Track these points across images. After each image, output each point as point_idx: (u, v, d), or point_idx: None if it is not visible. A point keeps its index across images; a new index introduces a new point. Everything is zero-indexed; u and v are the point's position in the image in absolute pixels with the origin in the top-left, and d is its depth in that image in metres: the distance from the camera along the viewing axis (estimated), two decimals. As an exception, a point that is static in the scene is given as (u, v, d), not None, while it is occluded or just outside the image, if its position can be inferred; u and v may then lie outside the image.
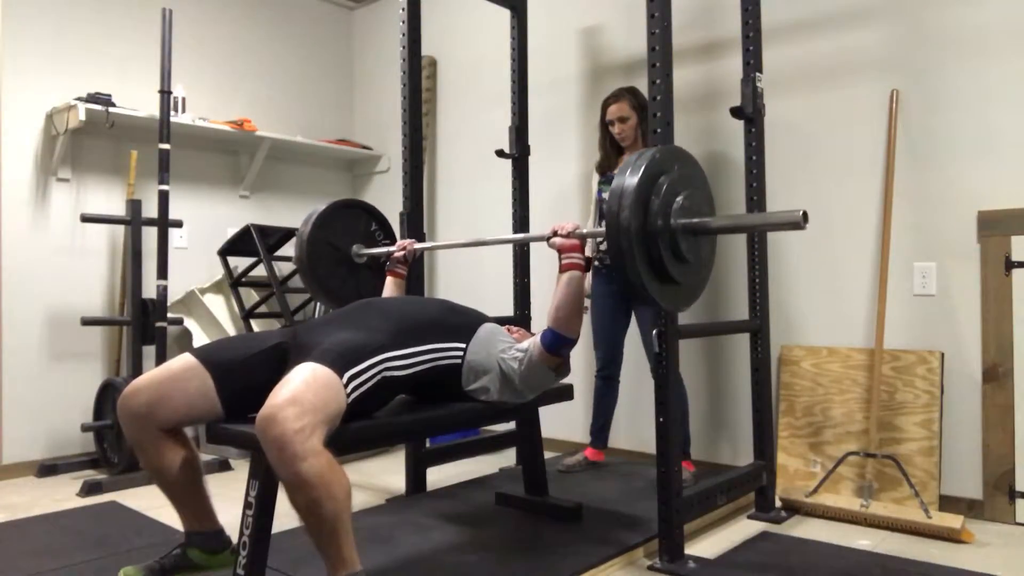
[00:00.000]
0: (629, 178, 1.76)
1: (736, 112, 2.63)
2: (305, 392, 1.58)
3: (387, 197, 4.42)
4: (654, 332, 2.20)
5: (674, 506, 2.18)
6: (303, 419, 1.52)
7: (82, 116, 3.32)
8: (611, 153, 3.10)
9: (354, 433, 1.77)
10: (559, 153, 3.74)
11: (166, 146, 3.30)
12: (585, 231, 2.11)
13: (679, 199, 1.80)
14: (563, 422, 3.58)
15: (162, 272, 3.31)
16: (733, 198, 3.11)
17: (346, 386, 1.68)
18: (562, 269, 2.02)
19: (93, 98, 3.40)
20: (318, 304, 3.87)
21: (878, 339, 2.72)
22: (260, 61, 4.35)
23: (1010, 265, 2.57)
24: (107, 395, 3.33)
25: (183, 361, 1.82)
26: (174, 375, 1.79)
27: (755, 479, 2.63)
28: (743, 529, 2.54)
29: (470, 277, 4.10)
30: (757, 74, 2.65)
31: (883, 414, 2.73)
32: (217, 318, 3.81)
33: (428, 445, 2.96)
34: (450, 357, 1.99)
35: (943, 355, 2.68)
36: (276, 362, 1.84)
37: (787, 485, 2.86)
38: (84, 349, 3.59)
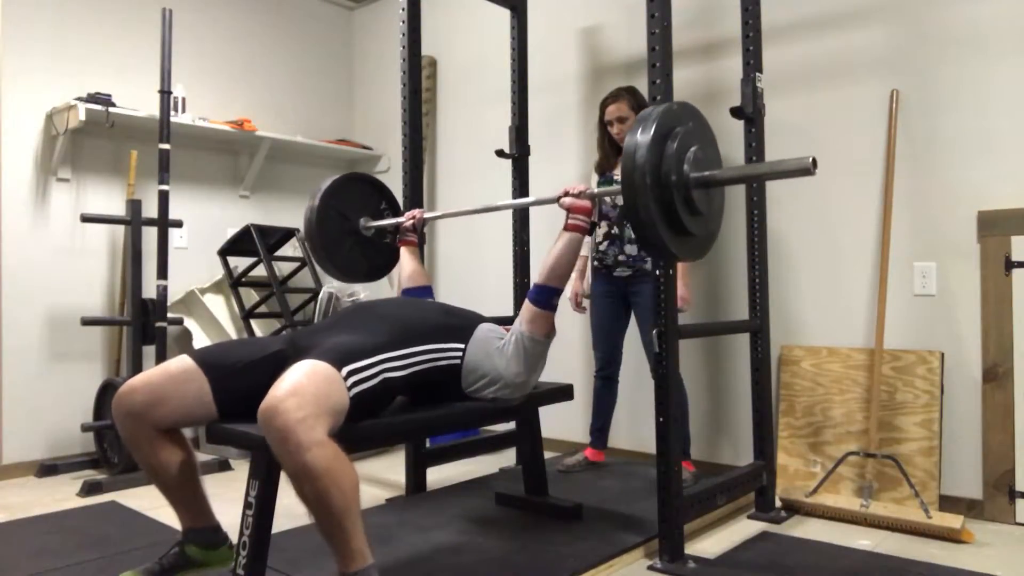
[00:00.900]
0: (646, 127, 1.78)
1: (736, 112, 2.63)
2: (306, 384, 1.58)
3: (387, 197, 4.43)
4: (654, 332, 2.20)
5: (674, 506, 2.18)
6: (304, 409, 1.52)
7: (82, 116, 3.32)
8: (610, 153, 3.10)
9: (355, 432, 1.77)
10: (559, 153, 3.75)
11: (166, 146, 3.30)
12: (596, 190, 2.17)
13: (692, 150, 1.82)
14: (563, 422, 3.58)
15: (162, 272, 3.32)
16: (733, 197, 3.11)
17: (346, 379, 1.68)
18: (566, 228, 2.07)
19: (93, 98, 3.41)
20: (318, 304, 3.87)
21: (878, 339, 2.72)
22: (260, 61, 4.35)
23: (1010, 265, 2.57)
24: (107, 395, 3.33)
25: (181, 363, 1.81)
26: (171, 377, 1.78)
27: (755, 479, 2.63)
28: (743, 529, 2.54)
29: (470, 277, 4.10)
30: (757, 74, 2.65)
31: (883, 414, 2.73)
32: (217, 318, 3.81)
33: (428, 445, 2.96)
34: (449, 357, 2.00)
35: (943, 355, 2.68)
36: (274, 369, 1.82)
37: (787, 485, 2.86)
38: (84, 349, 3.59)
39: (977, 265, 2.63)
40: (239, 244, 3.85)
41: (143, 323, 3.37)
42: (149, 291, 3.42)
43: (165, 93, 3.31)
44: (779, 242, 3.02)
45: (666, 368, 2.19)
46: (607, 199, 3.04)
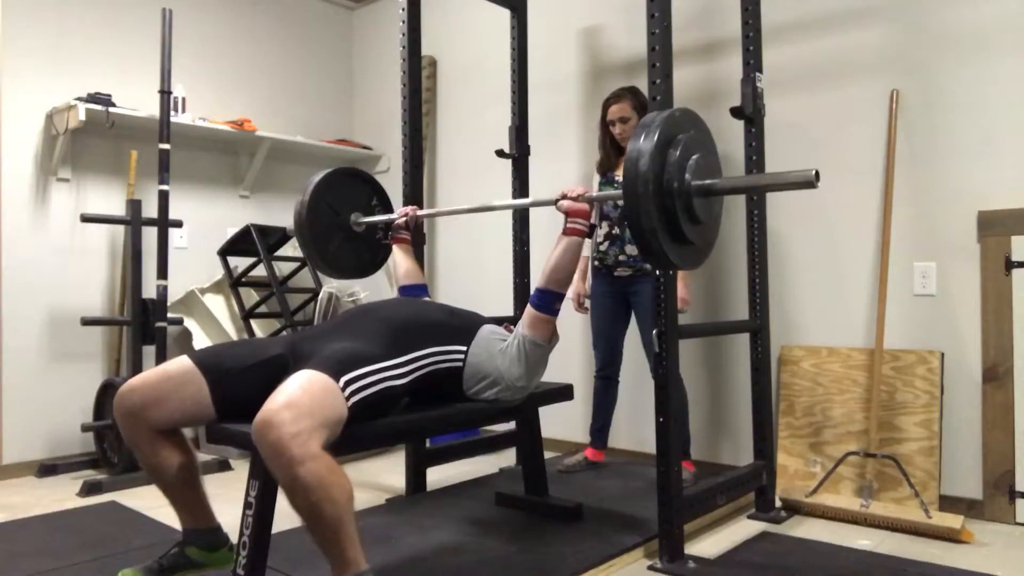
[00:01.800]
0: (649, 133, 1.77)
1: (736, 112, 2.63)
2: (302, 396, 1.56)
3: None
4: (654, 332, 2.20)
5: (674, 506, 2.18)
6: (300, 423, 1.51)
7: (82, 116, 3.32)
8: (612, 153, 3.10)
9: (354, 433, 1.77)
10: (559, 153, 3.75)
11: (166, 146, 3.30)
12: (595, 194, 2.14)
13: (694, 158, 1.82)
14: (563, 422, 3.58)
15: (162, 272, 3.32)
16: (733, 199, 3.11)
17: (344, 390, 1.67)
18: (565, 232, 2.06)
19: (93, 98, 3.41)
20: (318, 304, 3.87)
21: (878, 339, 2.72)
22: (260, 61, 4.35)
23: (1010, 265, 2.57)
24: (107, 395, 3.33)
25: (180, 364, 1.81)
26: (170, 377, 1.78)
27: (755, 479, 2.63)
28: (743, 529, 2.54)
29: (470, 277, 4.10)
30: (757, 74, 2.65)
31: (883, 414, 2.73)
32: (217, 318, 3.81)
33: (428, 445, 2.96)
34: (451, 360, 1.99)
35: (943, 355, 2.68)
36: (274, 373, 1.81)
37: (787, 485, 2.86)
38: (84, 349, 3.59)
39: (977, 265, 2.63)
40: (239, 244, 3.85)
41: (143, 323, 3.37)
42: (149, 291, 3.42)
43: (165, 93, 3.30)
44: (779, 242, 3.02)
45: (666, 368, 2.19)
46: (608, 199, 3.04)
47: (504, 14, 3.38)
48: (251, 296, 3.94)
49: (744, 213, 2.73)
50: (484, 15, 3.87)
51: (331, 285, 3.73)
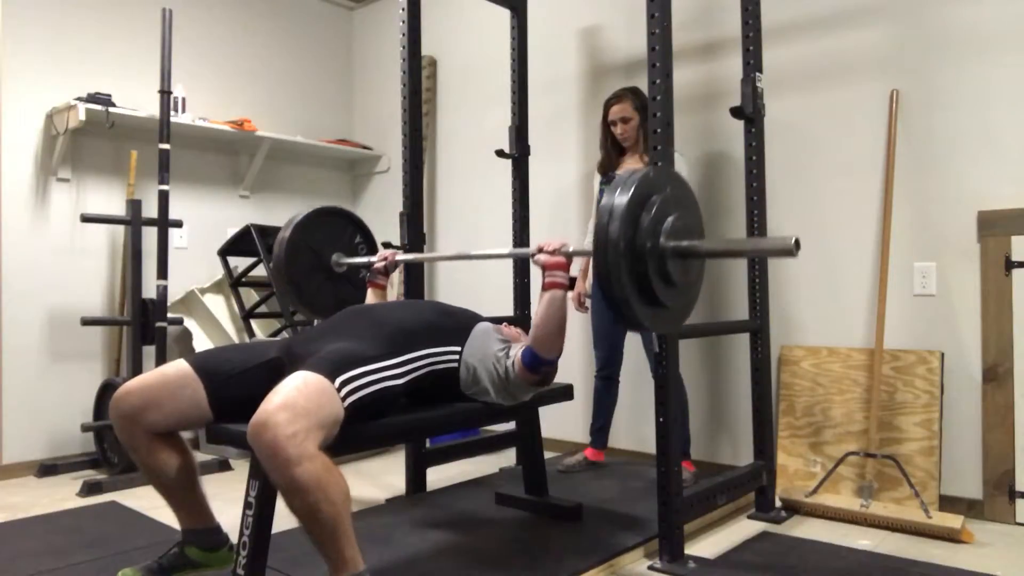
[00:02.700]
0: (620, 194, 1.70)
1: (736, 112, 2.63)
2: (297, 397, 1.56)
3: (387, 197, 4.44)
4: (653, 332, 2.19)
5: (674, 506, 2.17)
6: (295, 424, 1.51)
7: (82, 116, 3.32)
8: (613, 153, 3.10)
9: (354, 433, 1.77)
10: (559, 153, 3.75)
11: (166, 146, 3.30)
12: (571, 249, 2.04)
13: (670, 219, 1.73)
14: (563, 422, 3.58)
15: (162, 272, 3.31)
16: (733, 198, 3.12)
17: (339, 390, 1.66)
18: (544, 287, 1.98)
19: (93, 98, 3.41)
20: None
21: (878, 339, 2.72)
22: (260, 61, 4.35)
23: (1010, 265, 2.57)
24: (107, 395, 3.33)
25: (177, 368, 1.81)
26: (167, 381, 1.78)
27: (755, 479, 2.63)
28: (743, 529, 2.54)
29: (470, 277, 4.10)
30: (757, 74, 2.65)
31: (883, 414, 2.73)
32: (217, 318, 3.81)
33: (428, 445, 2.96)
34: (447, 361, 1.98)
35: (943, 355, 2.68)
36: (270, 376, 1.81)
37: (787, 485, 2.86)
38: (84, 349, 3.59)
39: (977, 265, 2.63)
40: (239, 244, 3.85)
41: (143, 323, 3.37)
42: (149, 291, 3.42)
43: (165, 93, 3.30)
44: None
45: (666, 368, 2.19)
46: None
47: (504, 14, 3.38)
48: (251, 296, 3.93)
49: (744, 213, 2.73)
50: (484, 15, 3.87)
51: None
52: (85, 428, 3.28)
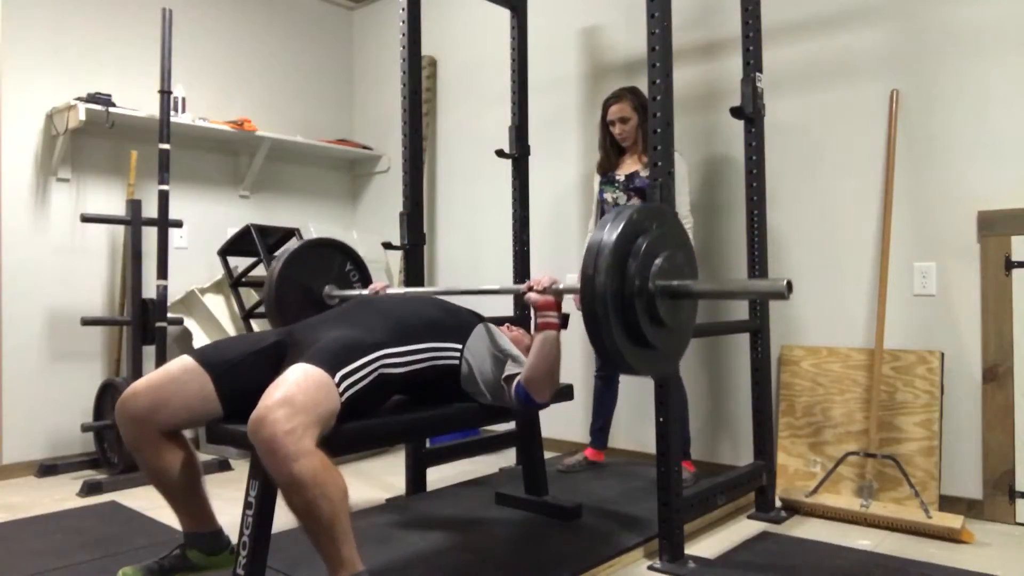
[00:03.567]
0: (605, 238, 1.65)
1: (736, 112, 2.63)
2: (296, 393, 1.57)
3: (387, 197, 4.44)
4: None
5: (674, 506, 2.18)
6: (294, 420, 1.52)
7: (82, 116, 3.32)
8: (612, 153, 3.09)
9: (354, 433, 1.77)
10: (559, 153, 3.75)
11: (166, 146, 3.30)
12: (562, 287, 1.97)
13: (658, 261, 1.69)
14: (563, 422, 3.58)
15: (162, 272, 3.31)
16: (733, 198, 3.12)
17: (339, 385, 1.67)
18: (537, 328, 1.94)
19: (93, 98, 3.41)
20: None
21: (878, 339, 2.72)
22: (260, 61, 4.35)
23: (1010, 265, 2.57)
24: (107, 395, 3.33)
25: (181, 363, 1.81)
26: (173, 378, 1.78)
27: (755, 479, 2.63)
28: (743, 529, 2.54)
29: (470, 276, 4.10)
30: (757, 74, 2.65)
31: (883, 414, 2.73)
32: (217, 318, 3.81)
33: (428, 445, 2.96)
34: (447, 357, 1.99)
35: (943, 355, 2.68)
36: (275, 361, 1.84)
37: (787, 485, 2.86)
38: (84, 349, 3.59)
39: (977, 265, 2.63)
40: (239, 244, 3.85)
41: (143, 323, 3.37)
42: (149, 291, 3.42)
43: (165, 93, 3.30)
44: (779, 242, 3.01)
45: (666, 368, 2.19)
46: (608, 198, 3.04)
47: (504, 14, 3.38)
48: (251, 296, 3.93)
49: (744, 213, 2.73)
50: (484, 15, 3.87)
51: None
52: (85, 428, 3.28)
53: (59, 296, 3.52)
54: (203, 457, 3.44)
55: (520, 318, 3.22)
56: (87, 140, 3.60)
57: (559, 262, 3.59)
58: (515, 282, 3.29)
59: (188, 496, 1.84)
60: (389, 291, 2.44)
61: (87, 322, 3.33)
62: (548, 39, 3.75)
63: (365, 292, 2.46)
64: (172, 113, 3.42)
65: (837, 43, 2.93)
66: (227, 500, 2.10)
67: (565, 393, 2.51)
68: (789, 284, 1.60)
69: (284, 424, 1.51)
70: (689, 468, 2.90)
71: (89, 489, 3.02)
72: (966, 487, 2.64)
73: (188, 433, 1.89)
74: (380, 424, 1.89)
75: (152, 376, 1.80)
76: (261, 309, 3.86)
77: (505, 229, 3.42)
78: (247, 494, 1.72)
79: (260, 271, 3.87)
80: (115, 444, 3.24)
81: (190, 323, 3.78)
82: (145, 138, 3.64)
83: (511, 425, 3.04)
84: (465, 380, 2.02)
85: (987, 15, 2.61)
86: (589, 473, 3.13)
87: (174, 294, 3.71)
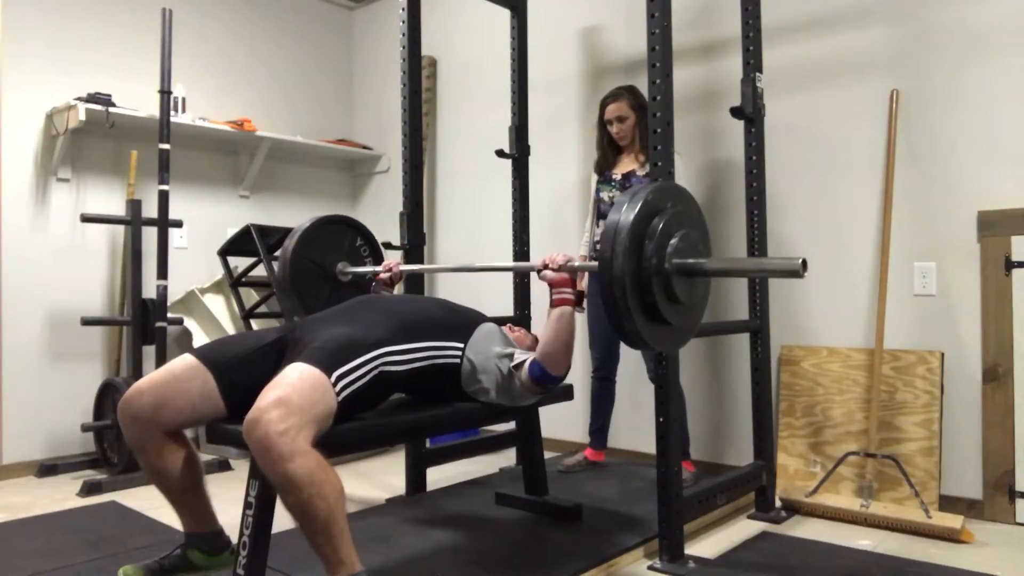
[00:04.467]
0: (621, 222, 1.69)
1: (736, 112, 2.63)
2: (291, 394, 1.57)
3: (387, 197, 4.44)
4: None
5: (674, 506, 2.18)
6: (288, 420, 1.52)
7: (82, 116, 3.31)
8: (609, 153, 3.09)
9: (354, 433, 1.77)
10: (559, 153, 3.75)
11: (166, 146, 3.30)
12: (577, 264, 2.04)
13: (673, 240, 1.73)
14: (563, 422, 3.58)
15: (162, 272, 3.31)
16: (733, 199, 3.11)
17: (335, 385, 1.67)
18: (553, 304, 1.98)
19: (93, 98, 3.40)
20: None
21: (878, 339, 2.72)
22: (260, 61, 4.35)
23: (1010, 265, 2.57)
24: (107, 395, 3.33)
25: (184, 362, 1.81)
26: (176, 376, 1.78)
27: (755, 479, 2.63)
28: (743, 529, 2.54)
29: (470, 276, 4.09)
30: (757, 74, 2.65)
31: (883, 414, 2.73)
32: (217, 318, 3.81)
33: (428, 445, 2.96)
34: (448, 356, 1.99)
35: (943, 355, 2.68)
36: (277, 358, 1.84)
37: (787, 485, 2.86)
38: (84, 349, 3.59)
39: (977, 265, 2.63)
40: (239, 244, 3.85)
41: (143, 323, 3.37)
42: (149, 291, 3.42)
43: (165, 93, 3.30)
44: (779, 242, 3.01)
45: (666, 368, 2.19)
46: (604, 197, 3.04)
47: (504, 14, 3.38)
48: (251, 296, 3.93)
49: (744, 213, 2.73)
50: (484, 15, 3.87)
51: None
52: (85, 428, 3.29)
53: (59, 296, 3.52)
54: (203, 457, 3.42)
55: (520, 318, 3.22)
56: (87, 140, 3.60)
57: (559, 262, 3.58)
58: (515, 281, 3.29)
59: (189, 496, 1.84)
60: (403, 267, 2.48)
61: (87, 322, 3.33)
62: (548, 39, 3.75)
63: (378, 269, 2.50)
64: (172, 113, 3.42)
65: (837, 43, 2.93)
66: (227, 500, 2.09)
67: (565, 393, 2.51)
68: (804, 262, 1.63)
69: (278, 425, 1.51)
70: (689, 468, 2.90)
71: (89, 489, 3.02)
72: (966, 487, 2.64)
73: (188, 433, 1.88)
74: (380, 424, 1.90)
75: (155, 375, 1.80)
76: (261, 309, 3.87)
77: (505, 229, 3.42)
78: (247, 494, 1.72)
79: (260, 271, 3.88)
80: (115, 444, 3.24)
81: (190, 323, 3.78)
82: (145, 138, 3.64)
83: (511, 425, 3.04)
84: (466, 379, 2.01)
85: (987, 15, 2.61)
86: (589, 473, 3.13)
87: (174, 294, 3.71)
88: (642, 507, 2.57)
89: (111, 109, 3.42)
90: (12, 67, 3.41)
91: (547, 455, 2.78)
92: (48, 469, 3.36)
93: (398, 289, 2.56)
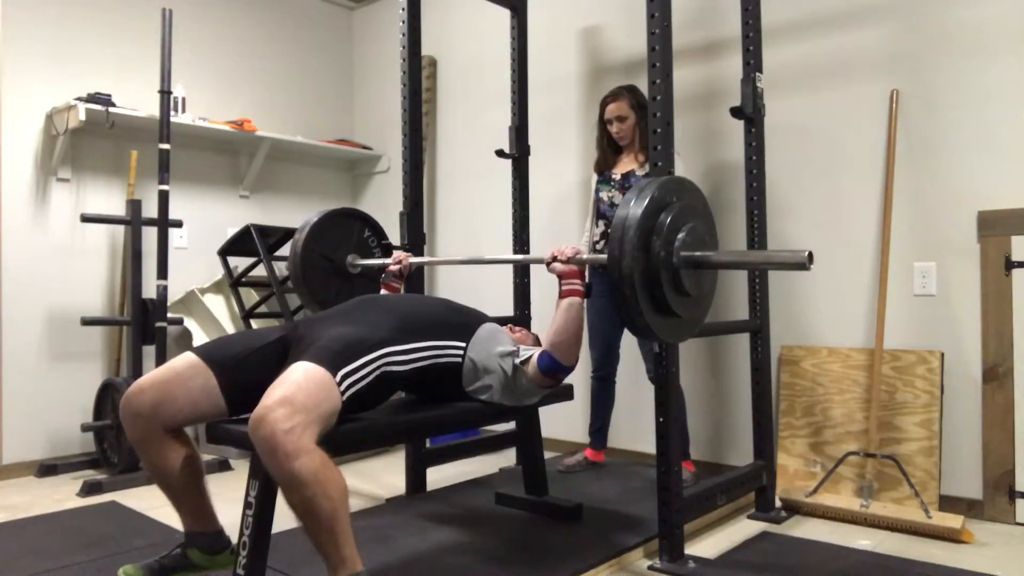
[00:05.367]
0: (629, 219, 1.72)
1: (736, 112, 2.63)
2: (296, 392, 1.58)
3: (387, 197, 4.44)
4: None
5: (674, 506, 2.17)
6: (294, 419, 1.53)
7: (82, 116, 3.31)
8: (609, 152, 3.09)
9: (354, 433, 1.77)
10: (559, 153, 3.75)
11: (166, 146, 3.30)
12: (585, 256, 2.08)
13: (681, 234, 1.76)
14: (563, 422, 3.58)
15: (162, 272, 3.31)
16: (733, 199, 3.11)
17: (340, 384, 1.68)
18: (562, 295, 2.01)
19: (93, 98, 3.40)
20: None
21: (878, 339, 2.72)
22: (260, 61, 4.35)
23: (1010, 265, 2.57)
24: (107, 395, 3.33)
25: (186, 360, 1.82)
26: (178, 374, 1.79)
27: (755, 479, 2.63)
28: (743, 529, 2.54)
29: (470, 276, 4.10)
30: (757, 74, 2.65)
31: (883, 414, 2.73)
32: (217, 318, 3.81)
33: (428, 445, 2.96)
34: (450, 355, 1.99)
35: (943, 355, 2.68)
36: (278, 357, 1.84)
37: (787, 485, 2.86)
38: (84, 349, 3.59)
39: (977, 265, 2.63)
40: (239, 244, 3.85)
41: (143, 323, 3.37)
42: (149, 291, 3.42)
43: (165, 93, 3.30)
44: (779, 242, 3.01)
45: (666, 368, 2.19)
46: (603, 197, 3.04)
47: (504, 14, 3.38)
48: (251, 296, 3.94)
49: (744, 213, 2.73)
50: (484, 15, 3.87)
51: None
52: (85, 428, 3.28)
53: (59, 296, 3.52)
54: (203, 457, 3.43)
55: (520, 318, 3.22)
56: (87, 140, 3.60)
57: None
58: (515, 281, 3.29)
59: (190, 494, 1.84)
60: (412, 260, 2.53)
61: (87, 322, 3.33)
62: (548, 39, 3.75)
63: (388, 261, 2.53)
64: (172, 113, 3.42)
65: (837, 43, 2.93)
66: (227, 500, 2.10)
67: (565, 393, 2.51)
68: (810, 255, 1.66)
69: (284, 423, 1.51)
70: (689, 468, 2.90)
71: (89, 489, 3.02)
72: (966, 487, 2.64)
73: (189, 431, 1.89)
74: (380, 424, 1.90)
75: (156, 372, 1.81)
76: (261, 309, 3.87)
77: (505, 229, 3.42)
78: (247, 494, 1.72)
79: (260, 271, 3.88)
80: (115, 444, 3.24)
81: (190, 323, 3.78)
82: (145, 138, 3.64)
83: (511, 425, 3.04)
84: (467, 378, 2.02)
85: (987, 15, 2.61)
86: (589, 473, 3.13)
87: (174, 294, 3.71)
88: (642, 507, 2.57)
89: (111, 109, 3.42)
90: (12, 67, 3.41)
91: (547, 455, 2.78)
92: (48, 469, 3.36)
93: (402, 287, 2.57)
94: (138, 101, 3.64)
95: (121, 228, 3.64)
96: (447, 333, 2.00)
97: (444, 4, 4.25)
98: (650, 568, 2.19)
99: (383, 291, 2.51)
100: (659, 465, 2.19)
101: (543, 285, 3.33)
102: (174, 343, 3.76)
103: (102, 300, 3.67)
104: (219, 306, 3.93)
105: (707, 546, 2.38)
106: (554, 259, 2.06)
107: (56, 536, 2.50)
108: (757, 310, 2.70)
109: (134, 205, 3.42)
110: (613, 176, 3.04)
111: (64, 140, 3.45)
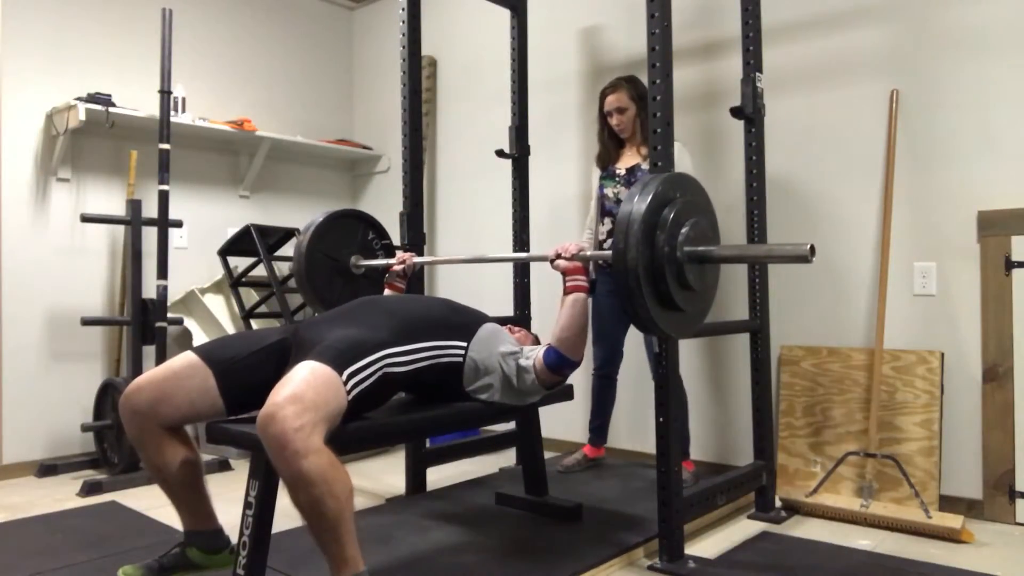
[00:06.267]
0: (633, 214, 1.75)
1: (736, 112, 2.63)
2: (305, 390, 1.58)
3: (387, 197, 4.43)
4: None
5: (674, 506, 2.17)
6: (303, 417, 1.53)
7: (82, 116, 3.31)
8: (610, 146, 3.07)
9: (354, 433, 1.77)
10: (559, 153, 3.75)
11: (166, 146, 3.30)
12: (588, 252, 2.11)
13: (684, 230, 1.80)
14: (563, 422, 3.58)
15: (162, 272, 3.31)
16: (733, 199, 3.11)
17: (346, 383, 1.68)
18: (566, 291, 2.03)
19: (93, 98, 3.40)
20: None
21: (878, 339, 2.72)
22: (260, 61, 4.35)
23: (1010, 265, 2.57)
24: (107, 395, 3.33)
25: (185, 359, 1.82)
26: (176, 373, 1.79)
27: (755, 479, 2.63)
28: (743, 529, 2.54)
29: (470, 276, 4.10)
30: (757, 74, 2.65)
31: (883, 414, 2.73)
32: (217, 318, 3.81)
33: (428, 445, 2.96)
34: (451, 356, 1.99)
35: (943, 355, 2.68)
36: (278, 359, 1.84)
37: (787, 485, 2.86)
38: (84, 349, 3.59)
39: (977, 265, 2.63)
40: (239, 244, 3.85)
41: (143, 323, 3.37)
42: (149, 291, 3.42)
43: (165, 93, 3.30)
44: (779, 241, 3.01)
45: (666, 368, 2.19)
46: (608, 193, 3.03)
47: (504, 14, 3.38)
48: (251, 296, 3.94)
49: (744, 213, 2.73)
50: (484, 15, 3.87)
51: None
52: (85, 428, 3.28)
53: (59, 296, 3.52)
54: (203, 457, 3.43)
55: (520, 318, 3.23)
56: (87, 140, 3.60)
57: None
58: (515, 281, 3.29)
59: (189, 493, 1.84)
60: (416, 259, 2.55)
61: (87, 322, 3.33)
62: (548, 39, 3.75)
63: (392, 262, 2.56)
64: (172, 113, 3.42)
65: (837, 43, 2.93)
66: (227, 500, 2.10)
67: (565, 393, 2.50)
68: (812, 248, 1.68)
69: (293, 421, 1.51)
70: (689, 468, 2.90)
71: (89, 489, 3.02)
72: (966, 487, 2.64)
73: (189, 431, 1.89)
74: (381, 424, 1.90)
75: (156, 371, 1.81)
76: (261, 309, 3.87)
77: (505, 229, 3.42)
78: (247, 494, 1.72)
79: (260, 271, 3.88)
80: (115, 444, 3.24)
81: (190, 323, 3.78)
82: (145, 138, 3.64)
83: (511, 425, 3.04)
84: (468, 378, 2.02)
85: (987, 15, 2.61)
86: (589, 473, 3.13)
87: (174, 294, 3.72)
88: (642, 507, 2.57)
89: (111, 109, 3.42)
90: (12, 67, 3.41)
91: (547, 455, 2.78)
92: (48, 469, 3.36)
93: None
94: (138, 101, 3.64)
95: (121, 228, 3.64)
96: (448, 333, 2.01)
97: (444, 4, 4.25)
98: (650, 568, 2.19)
99: (387, 291, 2.52)
100: (659, 465, 2.19)
101: (543, 285, 3.33)
102: (174, 343, 3.76)
103: (102, 300, 3.67)
104: (219, 306, 3.93)
105: (707, 546, 2.38)
106: (558, 256, 2.08)
107: (56, 536, 2.50)
108: (757, 310, 2.70)
109: (134, 205, 3.42)
110: (617, 171, 3.02)
111: (64, 140, 3.45)
